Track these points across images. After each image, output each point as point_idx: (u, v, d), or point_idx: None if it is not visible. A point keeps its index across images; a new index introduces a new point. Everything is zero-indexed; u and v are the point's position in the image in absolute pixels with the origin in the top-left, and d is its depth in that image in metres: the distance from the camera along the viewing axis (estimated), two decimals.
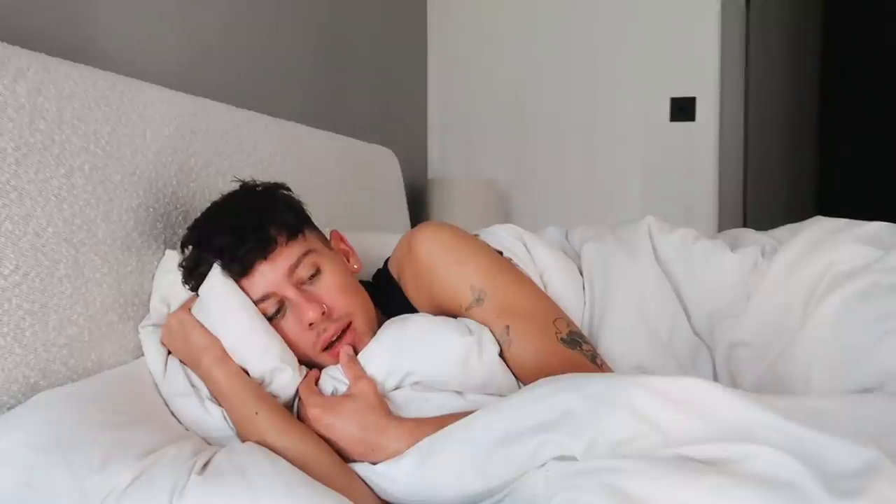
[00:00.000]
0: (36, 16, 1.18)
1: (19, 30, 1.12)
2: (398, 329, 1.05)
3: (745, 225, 2.81)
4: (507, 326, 1.04)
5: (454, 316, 1.07)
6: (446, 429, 0.88)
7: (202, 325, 1.04)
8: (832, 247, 1.11)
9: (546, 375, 0.91)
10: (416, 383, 1.01)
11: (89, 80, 1.09)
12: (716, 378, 1.12)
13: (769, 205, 3.16)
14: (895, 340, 0.97)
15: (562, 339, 1.03)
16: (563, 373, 0.92)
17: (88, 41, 1.29)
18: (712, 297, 1.16)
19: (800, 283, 1.10)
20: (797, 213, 2.75)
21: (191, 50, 1.59)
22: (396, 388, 1.01)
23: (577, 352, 1.03)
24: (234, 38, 1.75)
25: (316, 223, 1.16)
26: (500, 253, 1.15)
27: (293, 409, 1.03)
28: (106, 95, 1.11)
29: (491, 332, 1.04)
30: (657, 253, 1.22)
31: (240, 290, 1.04)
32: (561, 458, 0.78)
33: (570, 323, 1.07)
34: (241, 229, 1.04)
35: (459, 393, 1.01)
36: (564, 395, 0.82)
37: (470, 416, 0.88)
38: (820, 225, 1.18)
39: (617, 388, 0.79)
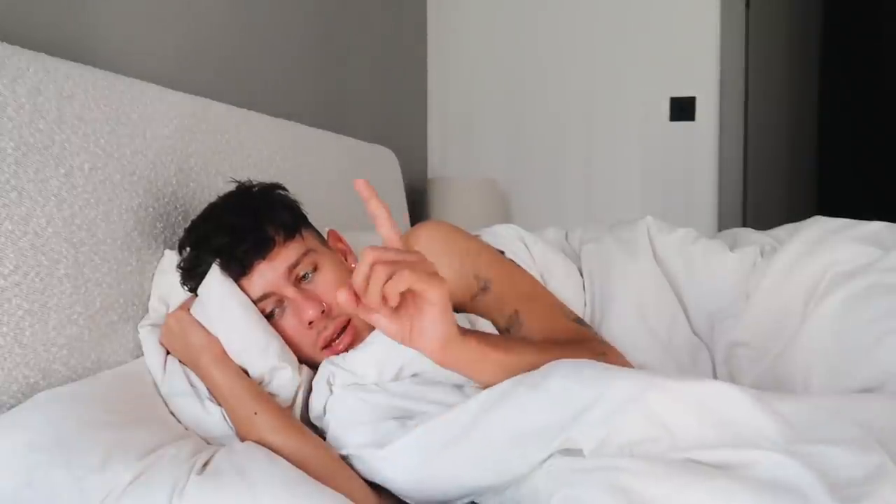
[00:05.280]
0: (36, 16, 1.18)
1: (19, 30, 1.12)
2: None
3: (744, 225, 2.81)
4: (517, 311, 1.03)
5: (458, 310, 1.07)
6: (458, 423, 0.85)
7: (201, 325, 1.04)
8: (832, 246, 1.11)
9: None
10: (416, 375, 1.00)
11: (89, 80, 1.09)
12: (715, 378, 1.12)
13: (769, 205, 3.16)
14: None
15: (572, 319, 1.04)
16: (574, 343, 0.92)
17: (88, 41, 1.29)
18: (712, 297, 1.16)
19: (799, 282, 1.10)
20: (797, 213, 2.74)
21: (191, 50, 1.59)
22: (395, 380, 1.00)
23: (586, 329, 1.04)
24: (235, 38, 1.75)
25: (315, 223, 1.16)
26: (502, 253, 1.15)
27: (293, 409, 1.03)
28: (106, 95, 1.12)
29: (494, 324, 1.04)
30: (656, 253, 1.22)
31: (238, 290, 1.04)
32: (566, 453, 0.78)
33: (574, 312, 1.08)
34: (239, 229, 1.04)
35: (459, 386, 1.00)
36: (582, 391, 0.79)
37: (485, 407, 0.84)
38: (819, 224, 1.18)
39: (637, 389, 0.77)
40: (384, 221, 0.76)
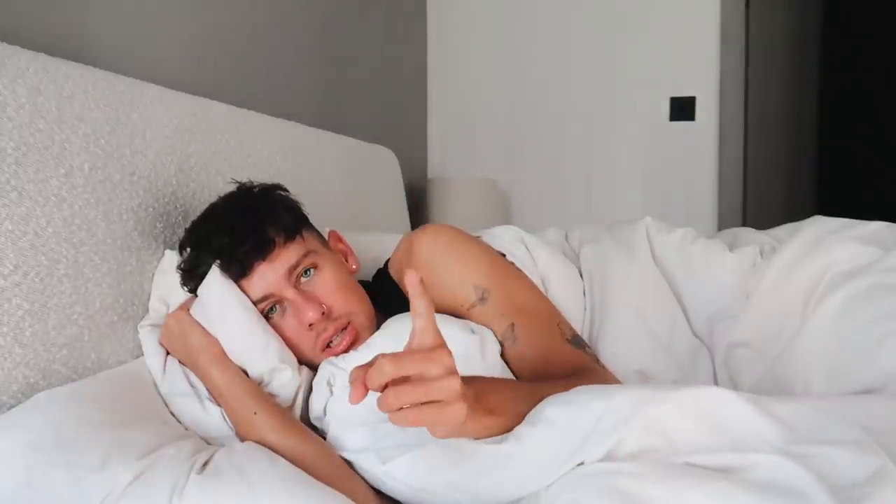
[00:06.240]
0: (36, 16, 1.18)
1: (19, 30, 1.12)
2: (401, 324, 1.04)
3: (744, 225, 2.80)
4: (512, 324, 1.03)
5: (456, 317, 1.07)
6: (454, 448, 0.84)
7: (200, 325, 1.04)
8: (831, 247, 1.11)
9: (551, 372, 0.89)
10: None
11: (89, 80, 1.09)
12: (715, 380, 1.12)
13: (769, 205, 3.16)
14: None
15: (567, 339, 1.03)
16: (570, 371, 0.91)
17: (88, 41, 1.29)
18: (711, 298, 1.16)
19: (799, 283, 1.09)
20: (797, 213, 2.74)
21: (191, 50, 1.58)
22: None
23: (581, 352, 1.03)
24: (234, 38, 1.75)
25: (315, 223, 1.16)
26: (503, 255, 1.15)
27: (293, 410, 1.02)
28: (106, 95, 1.12)
29: (492, 333, 1.04)
30: (655, 254, 1.21)
31: (238, 291, 1.04)
32: None
33: (571, 327, 1.08)
34: (239, 230, 1.04)
35: None
36: (584, 414, 0.79)
37: (503, 453, 0.82)
38: (819, 224, 1.18)
39: (636, 403, 0.77)
40: (424, 317, 0.70)
